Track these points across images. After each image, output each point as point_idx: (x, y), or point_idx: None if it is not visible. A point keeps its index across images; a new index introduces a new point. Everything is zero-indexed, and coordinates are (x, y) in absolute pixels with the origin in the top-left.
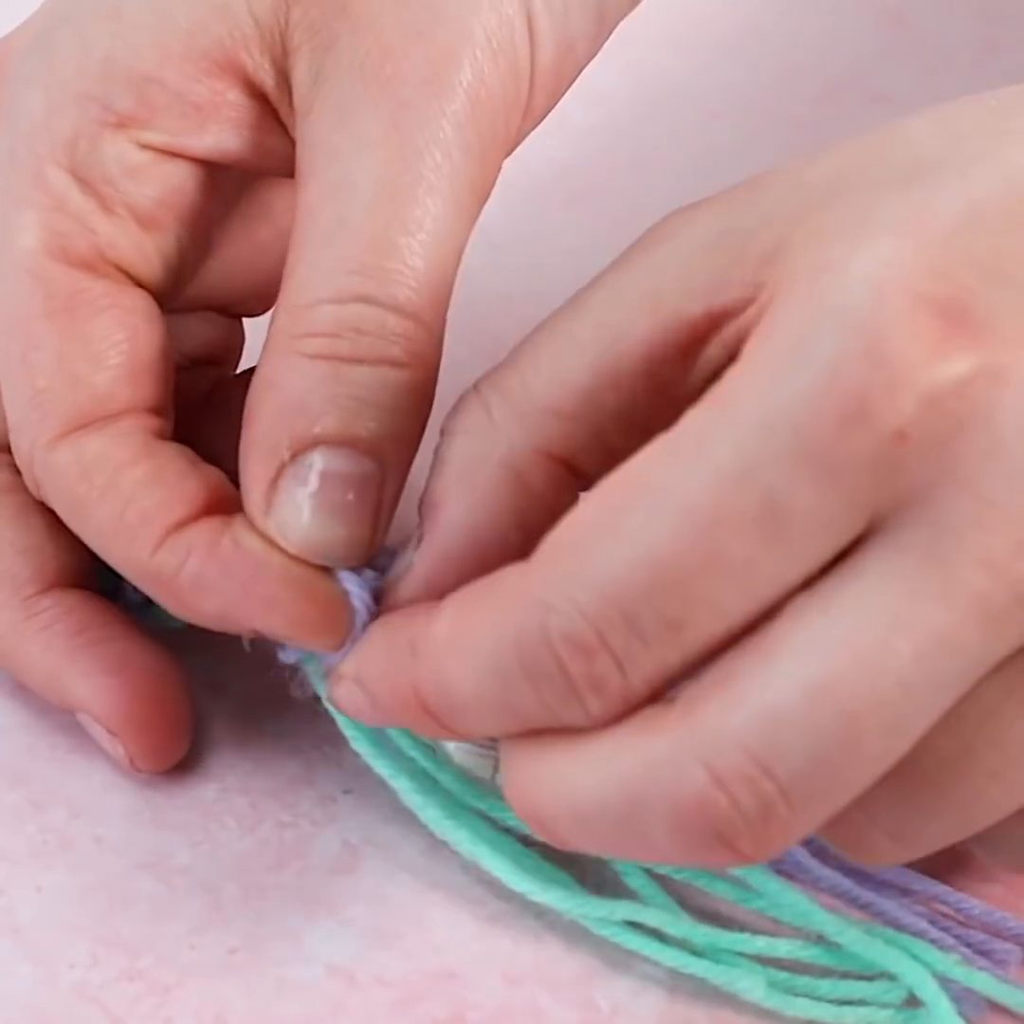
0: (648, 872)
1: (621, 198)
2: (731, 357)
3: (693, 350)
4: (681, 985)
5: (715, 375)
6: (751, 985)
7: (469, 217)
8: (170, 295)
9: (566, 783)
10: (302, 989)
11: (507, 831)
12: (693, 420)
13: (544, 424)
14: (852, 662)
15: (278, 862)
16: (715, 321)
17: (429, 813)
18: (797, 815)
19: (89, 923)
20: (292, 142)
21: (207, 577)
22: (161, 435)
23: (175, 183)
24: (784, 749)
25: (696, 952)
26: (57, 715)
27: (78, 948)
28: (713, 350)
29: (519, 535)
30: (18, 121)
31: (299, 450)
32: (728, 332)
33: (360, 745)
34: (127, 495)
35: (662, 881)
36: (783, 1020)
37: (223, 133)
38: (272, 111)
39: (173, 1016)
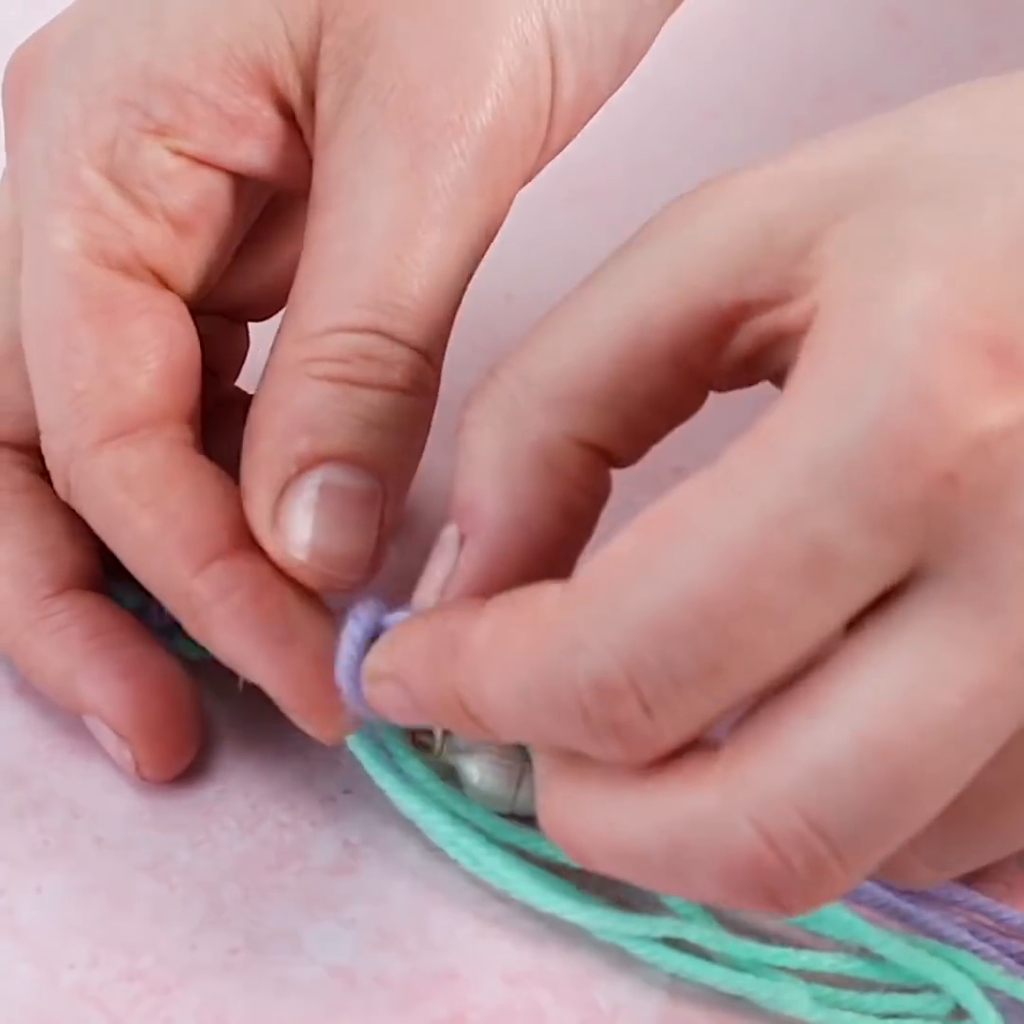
0: None
1: (621, 198)
2: (761, 348)
3: (721, 337)
4: (682, 986)
5: (745, 363)
6: (795, 999)
7: (478, 254)
8: (195, 301)
9: (604, 821)
10: (302, 989)
11: (541, 862)
12: (738, 458)
13: (572, 411)
14: (903, 717)
15: (278, 862)
16: (745, 309)
17: (462, 843)
18: (848, 870)
19: (89, 923)
20: (311, 162)
21: (245, 618)
22: (196, 448)
23: (210, 190)
24: (836, 807)
25: (738, 968)
26: (58, 716)
27: (78, 948)
28: (742, 338)
29: (563, 522)
30: (53, 124)
31: (305, 466)
32: (761, 323)
33: (386, 782)
34: (172, 511)
35: None
36: (786, 1023)
37: (255, 147)
38: (298, 130)
39: (173, 1016)
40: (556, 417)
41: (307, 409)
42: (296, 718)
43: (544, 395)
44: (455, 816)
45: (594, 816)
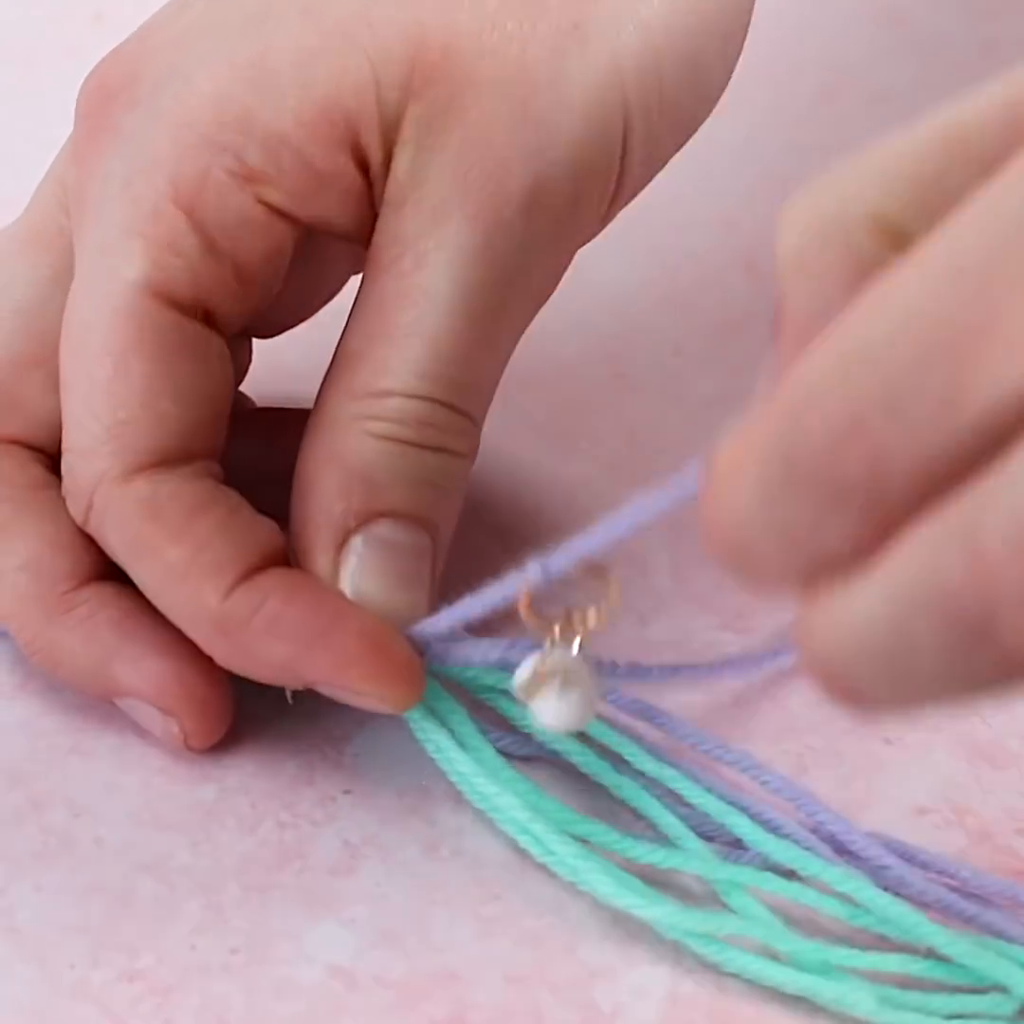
0: (750, 891)
1: None
2: None
3: None
4: (682, 986)
5: None
6: (860, 1000)
7: (531, 318)
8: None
9: (844, 620)
10: (302, 989)
11: (609, 856)
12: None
13: (874, 188)
14: None
15: (278, 862)
16: None
17: (536, 830)
18: None
19: (89, 923)
20: (375, 216)
21: (285, 620)
22: (221, 481)
23: (279, 245)
24: None
25: (804, 969)
26: (58, 716)
27: (78, 948)
28: None
29: None
30: (140, 151)
31: (364, 520)
32: None
33: (462, 767)
34: (202, 539)
35: (766, 899)
36: (788, 1022)
37: (331, 201)
38: (370, 185)
39: (173, 1016)
40: (856, 193)
41: (364, 463)
42: (358, 698)
43: (846, 179)
44: (528, 804)
45: (837, 623)
